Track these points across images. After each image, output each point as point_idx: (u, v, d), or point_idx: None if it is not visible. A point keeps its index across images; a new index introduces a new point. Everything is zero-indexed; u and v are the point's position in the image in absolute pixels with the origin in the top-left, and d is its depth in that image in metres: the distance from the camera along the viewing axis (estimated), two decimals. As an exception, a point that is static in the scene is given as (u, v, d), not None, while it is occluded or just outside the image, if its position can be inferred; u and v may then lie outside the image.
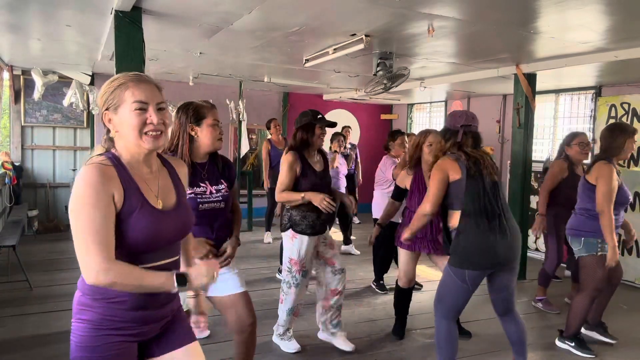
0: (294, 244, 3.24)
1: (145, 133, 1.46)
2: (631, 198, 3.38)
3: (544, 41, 3.95)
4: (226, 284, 2.39)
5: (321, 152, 3.40)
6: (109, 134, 1.51)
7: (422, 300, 4.48)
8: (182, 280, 1.43)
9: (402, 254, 3.57)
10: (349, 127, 7.90)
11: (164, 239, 1.50)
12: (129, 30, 3.35)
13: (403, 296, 3.68)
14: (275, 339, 3.48)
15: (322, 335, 3.53)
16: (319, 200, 3.07)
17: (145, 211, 1.46)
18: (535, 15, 3.26)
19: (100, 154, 1.50)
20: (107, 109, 1.47)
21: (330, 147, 6.21)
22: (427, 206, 2.75)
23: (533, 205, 6.34)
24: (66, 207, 7.06)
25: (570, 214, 3.56)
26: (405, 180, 3.59)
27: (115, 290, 1.42)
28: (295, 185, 3.19)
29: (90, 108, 6.23)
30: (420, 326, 3.90)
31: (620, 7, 3.03)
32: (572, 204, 3.62)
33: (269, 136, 6.60)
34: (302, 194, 3.12)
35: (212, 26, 3.81)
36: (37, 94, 6.09)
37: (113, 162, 1.47)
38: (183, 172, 1.70)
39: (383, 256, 4.75)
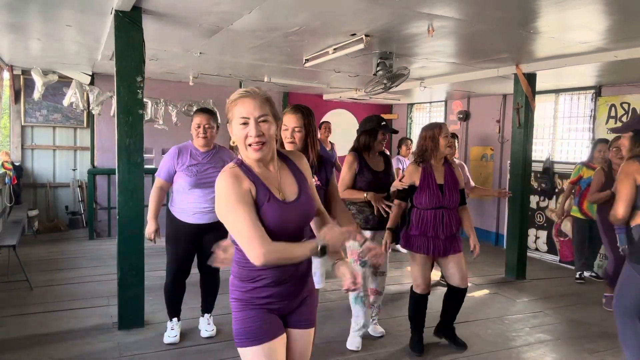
0: None
1: (250, 145, 1.66)
2: None
3: (544, 41, 3.95)
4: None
5: (384, 155, 3.64)
6: (231, 142, 1.75)
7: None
8: (324, 249, 1.64)
9: (418, 258, 3.33)
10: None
11: (288, 228, 1.69)
12: (129, 30, 3.35)
13: (421, 303, 3.40)
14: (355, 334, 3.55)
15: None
16: (379, 202, 3.34)
17: (273, 203, 1.68)
18: (535, 15, 3.26)
19: (235, 159, 1.79)
20: (228, 122, 1.73)
21: (399, 152, 6.51)
22: (620, 210, 2.75)
23: (533, 205, 6.35)
24: (66, 207, 7.15)
25: None
26: (414, 176, 3.31)
27: (258, 272, 1.70)
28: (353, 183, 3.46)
29: (90, 108, 6.23)
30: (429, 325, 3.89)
31: (620, 7, 3.03)
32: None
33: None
34: (365, 193, 3.36)
35: (212, 26, 3.81)
36: (37, 94, 6.09)
37: (239, 165, 1.72)
38: (303, 164, 1.88)
39: None
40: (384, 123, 3.50)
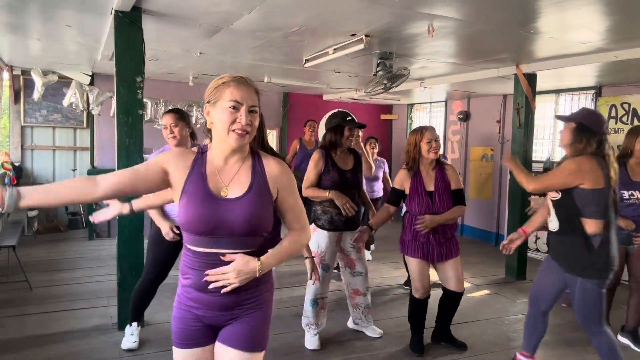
0: (315, 237, 3.37)
1: (233, 130, 1.57)
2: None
3: (544, 41, 3.95)
4: None
5: (354, 153, 3.51)
6: (207, 125, 1.66)
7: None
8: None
9: (414, 263, 3.29)
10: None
11: (217, 224, 1.56)
12: (128, 30, 3.35)
13: (420, 307, 3.38)
14: (305, 330, 3.53)
15: (350, 324, 3.76)
16: (342, 202, 3.22)
17: (199, 194, 1.58)
18: (535, 15, 3.26)
19: (202, 144, 1.73)
20: (208, 102, 1.63)
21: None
22: (532, 185, 2.82)
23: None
24: (66, 208, 7.14)
25: None
26: (405, 183, 3.32)
27: (185, 268, 1.64)
28: (318, 183, 3.36)
29: (90, 108, 6.23)
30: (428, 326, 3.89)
31: (620, 7, 3.03)
32: None
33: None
34: (328, 192, 3.26)
35: (212, 26, 3.81)
36: (36, 94, 6.09)
37: (197, 151, 1.67)
38: (275, 172, 1.68)
39: None
40: (349, 118, 3.37)
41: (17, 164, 6.65)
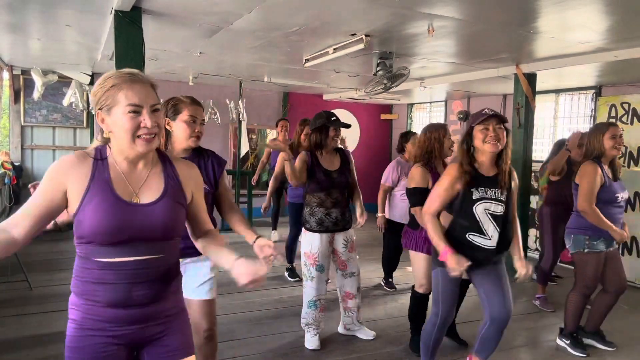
0: (306, 239, 3.39)
1: (139, 136, 1.43)
2: (624, 196, 3.36)
3: (544, 41, 3.95)
4: (198, 288, 2.34)
5: (340, 153, 3.50)
6: (103, 134, 1.50)
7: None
8: None
9: (421, 259, 3.26)
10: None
11: (130, 232, 1.43)
12: (128, 30, 3.34)
13: (422, 303, 3.40)
14: (305, 330, 3.53)
15: (341, 330, 3.69)
16: (271, 142, 3.29)
17: (107, 201, 1.42)
18: (535, 15, 3.26)
19: (95, 146, 1.53)
20: (100, 109, 1.44)
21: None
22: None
23: (533, 205, 6.34)
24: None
25: (568, 213, 3.58)
26: (428, 178, 3.14)
27: (92, 286, 1.44)
28: (305, 184, 3.38)
29: (90, 108, 6.23)
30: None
31: (620, 7, 3.03)
32: (569, 203, 3.66)
33: (275, 136, 6.59)
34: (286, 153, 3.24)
35: (212, 26, 3.81)
36: (36, 94, 6.09)
37: (96, 156, 1.48)
38: (188, 174, 1.61)
39: (390, 255, 4.79)
40: (334, 118, 3.37)
41: (17, 164, 6.65)
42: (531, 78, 5.16)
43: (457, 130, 7.96)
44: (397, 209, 4.58)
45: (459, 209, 2.57)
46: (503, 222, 2.55)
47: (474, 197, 2.51)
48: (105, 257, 1.43)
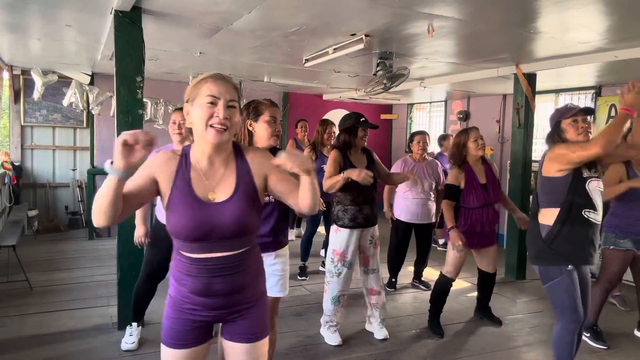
0: (337, 236, 3.45)
1: (211, 126, 1.53)
2: None
3: (544, 41, 3.95)
4: (270, 287, 2.31)
5: (366, 152, 3.60)
6: (187, 125, 1.62)
7: (423, 300, 4.49)
8: None
9: (454, 252, 3.59)
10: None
11: (209, 230, 1.54)
12: (128, 30, 3.35)
13: (446, 286, 3.70)
14: (322, 330, 3.59)
15: (368, 327, 3.75)
16: (357, 173, 3.21)
17: (186, 200, 1.55)
18: (535, 15, 3.26)
19: (184, 145, 1.68)
20: (187, 101, 1.59)
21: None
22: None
23: (533, 205, 6.34)
24: (66, 207, 7.14)
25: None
26: (459, 178, 3.62)
27: (181, 275, 1.60)
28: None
29: (90, 108, 6.22)
30: (422, 326, 3.90)
31: (620, 7, 3.03)
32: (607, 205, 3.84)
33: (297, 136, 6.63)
34: (342, 174, 3.27)
35: (212, 26, 3.81)
36: (36, 94, 6.08)
37: (182, 153, 1.63)
38: (258, 161, 1.66)
39: (392, 255, 4.80)
40: (363, 119, 3.45)
41: (17, 164, 6.65)
42: (531, 78, 5.16)
43: (457, 130, 7.96)
44: (400, 207, 4.68)
45: (575, 189, 2.63)
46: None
47: (584, 176, 2.64)
48: (188, 252, 1.58)
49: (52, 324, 3.70)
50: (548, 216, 2.70)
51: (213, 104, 1.53)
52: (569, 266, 2.63)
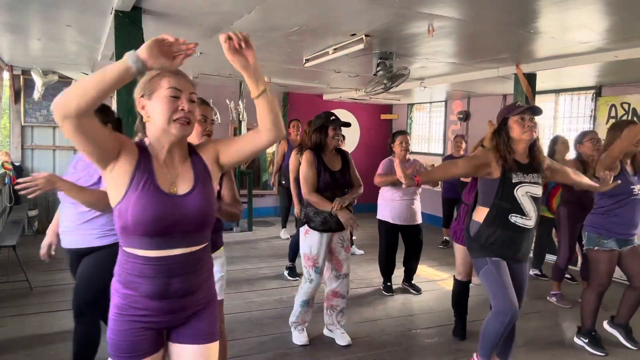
0: (307, 240, 3.36)
1: (175, 120, 1.52)
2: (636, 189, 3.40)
3: (544, 41, 3.95)
4: None
5: (341, 153, 3.51)
6: (142, 120, 1.58)
7: (423, 300, 4.49)
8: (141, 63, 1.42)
9: (459, 249, 3.61)
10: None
11: (172, 223, 1.49)
12: (129, 30, 3.34)
13: (464, 289, 3.70)
14: (291, 328, 3.56)
15: (326, 332, 3.64)
16: (346, 218, 3.20)
17: (148, 191, 1.49)
18: (535, 15, 3.26)
19: (136, 140, 1.62)
20: (142, 96, 1.55)
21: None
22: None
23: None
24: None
25: (583, 212, 3.69)
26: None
27: (133, 278, 1.50)
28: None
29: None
30: (422, 326, 3.90)
31: (620, 7, 3.03)
32: (583, 202, 3.89)
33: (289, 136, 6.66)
34: (331, 207, 3.21)
35: (212, 26, 3.81)
36: (37, 94, 6.09)
37: (139, 145, 1.56)
38: (206, 150, 1.66)
39: (382, 257, 4.77)
40: (333, 118, 3.39)
41: (17, 164, 6.65)
42: (531, 78, 5.15)
43: (457, 130, 7.96)
44: (387, 208, 4.61)
45: (502, 194, 2.67)
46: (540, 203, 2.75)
47: (513, 181, 2.66)
48: (145, 249, 1.49)
49: (52, 324, 3.70)
50: (479, 214, 2.79)
51: (176, 97, 1.52)
52: (494, 257, 2.71)
